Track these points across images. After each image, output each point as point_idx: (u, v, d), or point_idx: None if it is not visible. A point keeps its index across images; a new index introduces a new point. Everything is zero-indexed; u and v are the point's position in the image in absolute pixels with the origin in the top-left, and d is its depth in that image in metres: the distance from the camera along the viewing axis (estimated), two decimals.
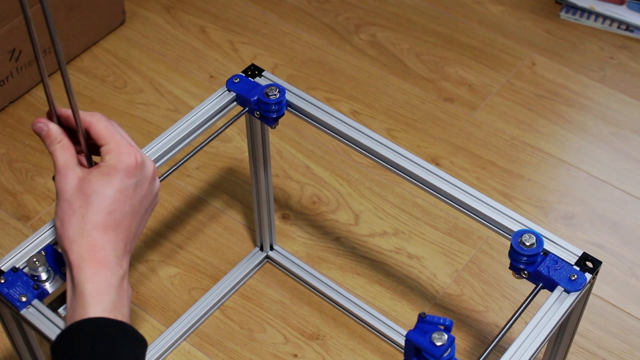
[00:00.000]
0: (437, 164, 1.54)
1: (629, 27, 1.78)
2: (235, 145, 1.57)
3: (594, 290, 1.36)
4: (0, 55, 1.55)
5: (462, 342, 1.31)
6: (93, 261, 0.80)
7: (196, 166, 1.54)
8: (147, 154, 1.04)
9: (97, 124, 0.85)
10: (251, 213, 1.47)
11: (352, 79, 1.69)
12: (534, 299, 0.93)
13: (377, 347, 1.31)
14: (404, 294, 1.37)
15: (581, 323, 1.31)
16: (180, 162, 1.06)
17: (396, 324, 1.31)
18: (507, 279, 1.38)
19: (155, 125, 1.60)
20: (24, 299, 0.89)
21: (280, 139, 1.57)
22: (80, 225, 0.81)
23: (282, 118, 1.12)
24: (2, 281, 0.90)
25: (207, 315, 1.34)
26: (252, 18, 1.82)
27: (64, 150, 0.85)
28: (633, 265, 1.40)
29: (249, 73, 1.13)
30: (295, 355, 1.30)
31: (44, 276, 0.91)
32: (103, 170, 0.83)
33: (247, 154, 1.55)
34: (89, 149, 0.87)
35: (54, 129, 0.86)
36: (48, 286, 0.90)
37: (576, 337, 1.31)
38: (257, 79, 1.13)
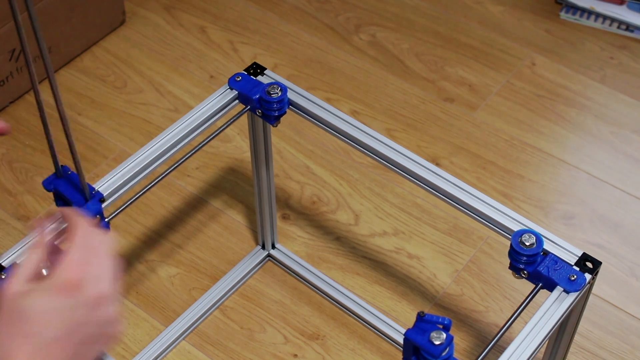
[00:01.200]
0: (437, 164, 1.54)
1: (629, 27, 1.78)
2: (235, 145, 1.57)
3: (594, 290, 1.36)
4: (0, 55, 1.56)
5: (462, 342, 1.31)
6: None
7: (196, 166, 1.54)
8: (148, 152, 1.04)
9: (75, 230, 0.75)
10: (251, 213, 1.47)
11: (352, 79, 1.69)
12: (535, 299, 0.93)
13: (377, 347, 1.31)
14: (404, 294, 1.37)
15: (581, 323, 1.31)
16: (182, 160, 1.06)
17: (396, 323, 1.31)
18: (507, 279, 1.38)
19: (155, 125, 1.60)
20: None
21: (281, 139, 1.57)
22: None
23: (282, 118, 1.12)
24: (3, 277, 0.90)
25: (208, 313, 1.34)
26: (252, 18, 1.82)
27: (33, 257, 0.75)
28: (633, 265, 1.40)
29: (251, 71, 1.13)
30: (295, 355, 1.30)
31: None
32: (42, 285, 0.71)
33: (247, 154, 1.55)
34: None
35: (47, 236, 0.78)
36: None
37: (576, 337, 1.31)
38: (259, 77, 1.13)
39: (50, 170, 1.52)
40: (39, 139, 1.57)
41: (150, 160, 1.03)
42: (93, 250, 0.74)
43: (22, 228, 1.44)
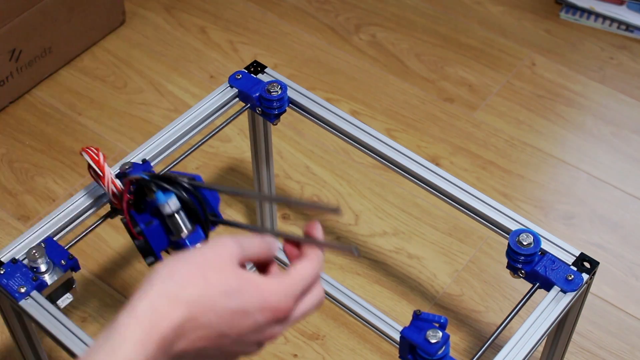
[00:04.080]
0: (437, 164, 1.53)
1: (629, 27, 1.78)
2: (235, 145, 1.57)
3: (594, 290, 1.36)
4: (0, 55, 1.56)
5: (462, 342, 1.31)
6: None
7: (196, 166, 1.54)
8: (147, 149, 1.04)
9: (313, 263, 0.70)
10: (252, 213, 1.47)
11: (352, 79, 1.69)
12: (533, 298, 0.93)
13: (377, 347, 1.31)
14: (404, 294, 1.37)
15: (581, 323, 1.31)
16: (182, 157, 1.06)
17: (396, 322, 1.31)
18: (507, 279, 1.38)
19: (155, 125, 1.60)
20: (22, 290, 0.89)
21: (280, 139, 1.57)
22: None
23: (282, 118, 1.12)
24: (2, 272, 0.90)
25: None
26: (252, 18, 1.82)
27: (262, 246, 0.71)
28: (633, 265, 1.40)
29: (252, 69, 1.13)
30: (295, 355, 1.30)
31: (43, 267, 0.91)
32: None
33: (247, 154, 1.55)
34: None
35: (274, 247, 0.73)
36: (47, 277, 0.91)
37: (576, 337, 1.31)
38: (260, 76, 1.13)
39: (51, 169, 1.52)
40: (39, 139, 1.57)
41: (150, 158, 1.04)
42: (311, 292, 0.70)
43: (22, 228, 1.45)
